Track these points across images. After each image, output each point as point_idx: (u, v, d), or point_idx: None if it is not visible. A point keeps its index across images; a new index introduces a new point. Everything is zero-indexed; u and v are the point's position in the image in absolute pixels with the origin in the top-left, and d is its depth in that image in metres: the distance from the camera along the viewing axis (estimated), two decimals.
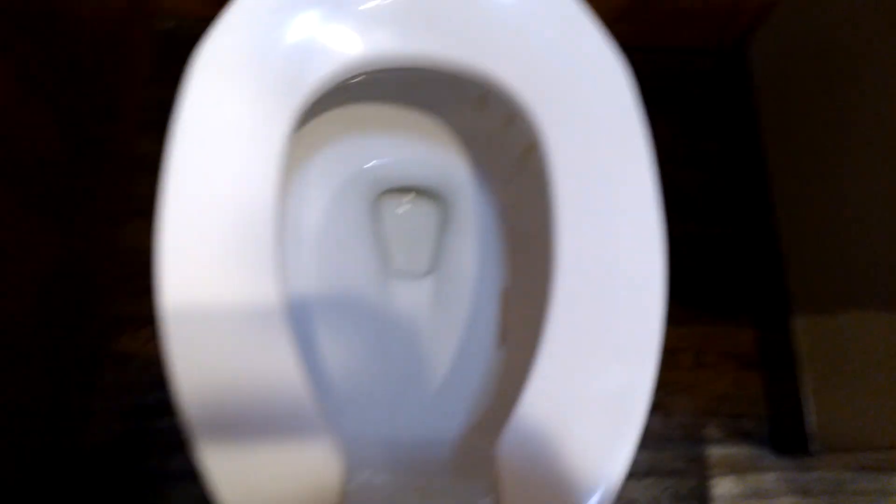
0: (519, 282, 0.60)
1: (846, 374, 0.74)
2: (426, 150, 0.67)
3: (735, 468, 0.83)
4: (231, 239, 0.43)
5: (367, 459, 0.54)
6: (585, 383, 0.44)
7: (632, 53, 0.56)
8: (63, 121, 0.65)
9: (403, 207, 0.72)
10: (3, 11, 0.55)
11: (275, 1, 0.49)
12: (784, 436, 0.83)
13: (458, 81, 0.53)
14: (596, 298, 0.45)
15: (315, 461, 0.40)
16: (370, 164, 0.67)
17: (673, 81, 0.98)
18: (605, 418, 0.43)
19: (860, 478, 0.84)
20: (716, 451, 0.83)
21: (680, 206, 0.92)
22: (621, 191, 0.49)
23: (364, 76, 0.53)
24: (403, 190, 0.72)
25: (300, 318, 0.59)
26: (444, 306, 0.64)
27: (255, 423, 0.40)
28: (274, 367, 0.42)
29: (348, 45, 0.49)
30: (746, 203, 0.92)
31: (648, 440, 0.82)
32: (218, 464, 0.39)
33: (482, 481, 0.42)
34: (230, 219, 0.44)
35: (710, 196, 0.94)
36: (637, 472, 0.81)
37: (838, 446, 0.76)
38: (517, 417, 0.42)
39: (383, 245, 0.69)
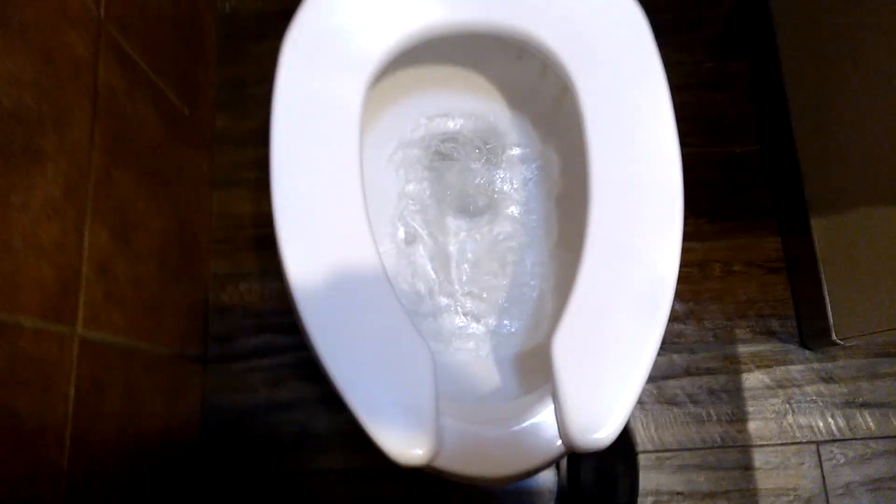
0: (568, 191, 0.71)
1: (862, 265, 0.81)
2: (474, 102, 0.77)
3: (764, 363, 0.93)
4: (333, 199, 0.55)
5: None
6: (621, 281, 0.54)
7: None
8: (159, 105, 0.77)
9: (454, 157, 0.82)
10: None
11: None
12: (809, 331, 0.92)
13: (499, 40, 0.62)
14: (625, 209, 0.55)
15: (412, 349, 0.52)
16: (424, 118, 0.77)
17: (695, 9, 1.04)
18: (639, 309, 0.54)
19: (883, 363, 0.92)
20: (746, 350, 0.93)
21: (708, 128, 1.00)
22: (642, 121, 0.58)
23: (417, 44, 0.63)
24: (454, 140, 0.82)
25: None
26: (503, 223, 0.77)
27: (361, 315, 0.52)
28: (374, 287, 0.53)
29: (405, 19, 0.59)
30: (767, 119, 0.99)
31: (684, 345, 0.93)
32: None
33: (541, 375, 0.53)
34: (331, 181, 0.55)
35: (735, 117, 1.01)
36: (675, 374, 0.92)
37: (859, 331, 0.83)
38: (568, 314, 0.52)
39: (442, 192, 0.80)
